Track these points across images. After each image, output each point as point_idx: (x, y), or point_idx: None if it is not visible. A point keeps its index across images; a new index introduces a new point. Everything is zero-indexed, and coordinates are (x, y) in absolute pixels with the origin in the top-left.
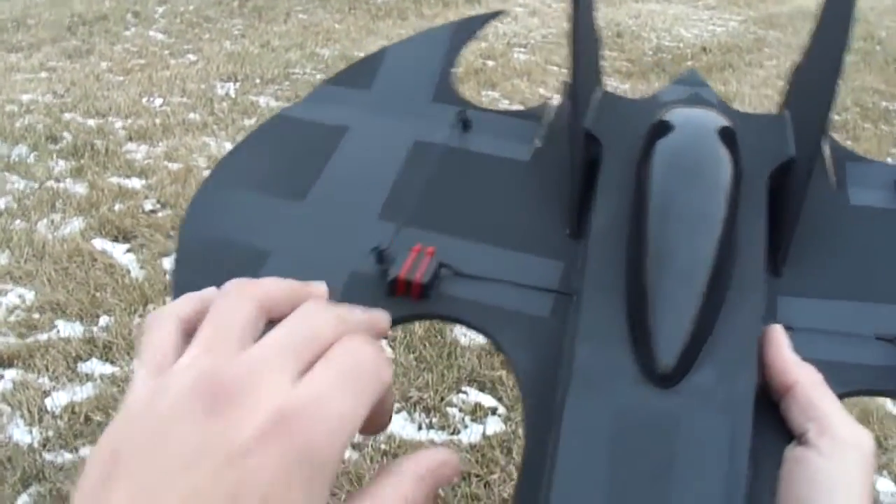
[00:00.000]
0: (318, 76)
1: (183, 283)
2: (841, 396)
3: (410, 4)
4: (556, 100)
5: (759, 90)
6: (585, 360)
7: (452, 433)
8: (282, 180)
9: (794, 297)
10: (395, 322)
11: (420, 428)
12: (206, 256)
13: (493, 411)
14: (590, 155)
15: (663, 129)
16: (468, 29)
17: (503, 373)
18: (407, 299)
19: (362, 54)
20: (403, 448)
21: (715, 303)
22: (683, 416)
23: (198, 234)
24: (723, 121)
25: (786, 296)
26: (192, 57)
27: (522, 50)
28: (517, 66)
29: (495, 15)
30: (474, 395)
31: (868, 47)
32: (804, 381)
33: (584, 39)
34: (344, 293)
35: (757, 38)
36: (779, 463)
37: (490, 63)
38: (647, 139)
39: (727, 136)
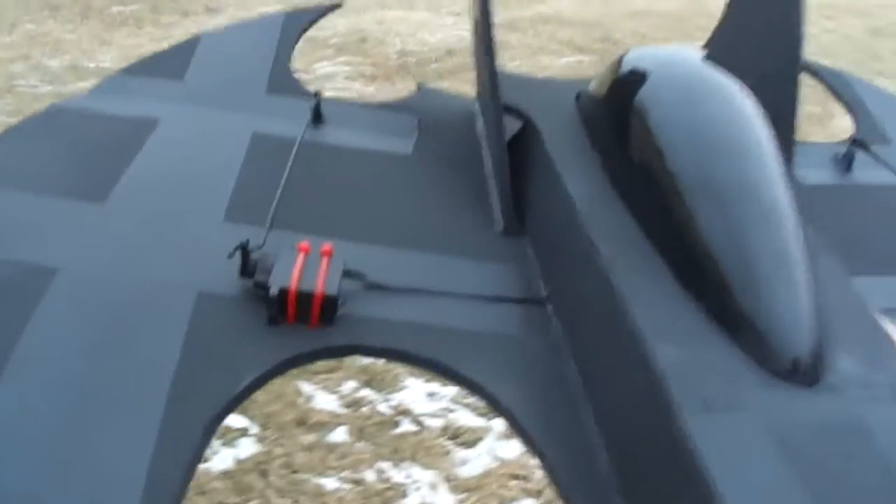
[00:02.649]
0: (46, 88)
1: None
2: None
3: (147, 14)
4: (417, 96)
5: None
6: (677, 370)
7: None
8: (67, 179)
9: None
10: (289, 366)
11: None
12: None
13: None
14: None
15: (643, 72)
16: (301, 20)
17: None
18: (300, 327)
19: (94, 65)
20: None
21: (812, 269)
22: (866, 416)
23: None
24: (696, 50)
25: None
26: None
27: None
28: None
29: (332, 8)
30: None
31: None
32: None
33: (489, 28)
34: (192, 329)
35: (500, 41)
36: None
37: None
38: (623, 86)
39: (711, 59)
